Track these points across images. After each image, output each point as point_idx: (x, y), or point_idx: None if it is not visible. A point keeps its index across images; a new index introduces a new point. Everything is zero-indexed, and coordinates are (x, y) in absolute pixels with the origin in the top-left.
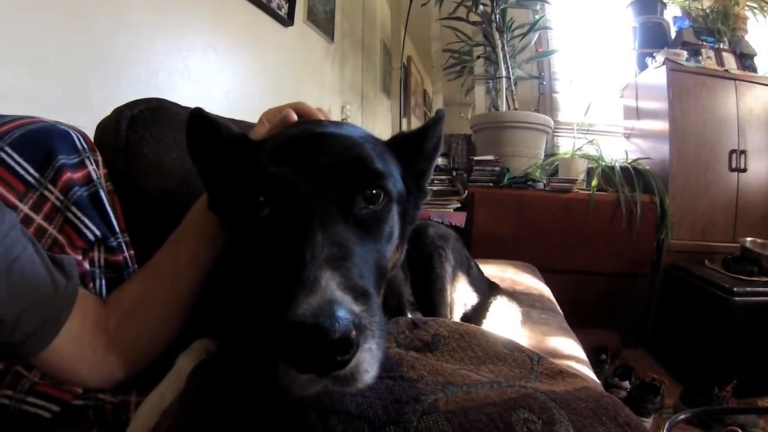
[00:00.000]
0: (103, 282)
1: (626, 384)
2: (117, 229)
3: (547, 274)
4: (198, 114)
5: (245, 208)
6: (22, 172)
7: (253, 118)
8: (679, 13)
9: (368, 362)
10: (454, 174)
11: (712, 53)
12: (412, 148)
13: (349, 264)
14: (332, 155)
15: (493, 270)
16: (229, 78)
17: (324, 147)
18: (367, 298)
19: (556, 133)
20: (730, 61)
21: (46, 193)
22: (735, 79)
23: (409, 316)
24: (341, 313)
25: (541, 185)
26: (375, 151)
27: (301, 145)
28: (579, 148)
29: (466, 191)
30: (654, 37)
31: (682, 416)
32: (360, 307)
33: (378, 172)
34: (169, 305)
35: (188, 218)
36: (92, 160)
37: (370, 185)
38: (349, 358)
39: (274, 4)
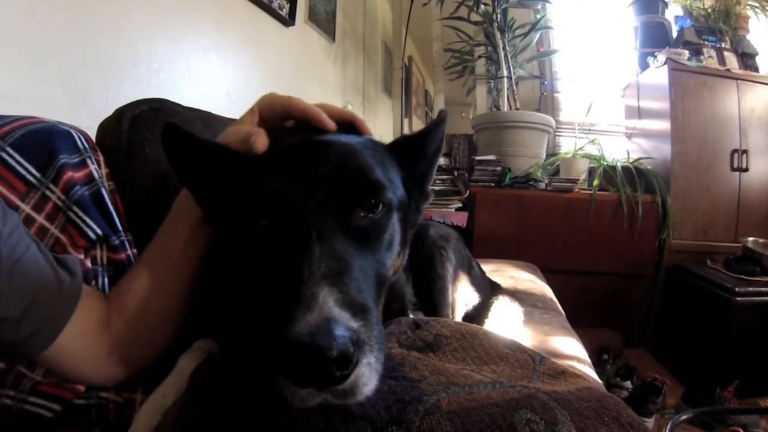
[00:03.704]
0: (106, 280)
1: (628, 384)
2: (119, 227)
3: (548, 273)
4: (172, 129)
5: (242, 222)
6: (23, 172)
7: None
8: (680, 13)
9: (367, 376)
10: (456, 174)
11: (713, 53)
12: (413, 150)
13: (346, 279)
14: (330, 166)
15: (494, 270)
16: (231, 78)
17: (322, 157)
18: (366, 313)
19: (557, 133)
20: (732, 61)
21: (48, 192)
22: (737, 79)
23: (411, 316)
24: (339, 331)
25: (542, 185)
26: (374, 158)
27: (298, 155)
28: (580, 148)
29: (468, 191)
30: (655, 37)
31: (684, 416)
32: (358, 323)
33: (377, 183)
34: (164, 299)
35: (174, 209)
36: (93, 159)
37: (369, 196)
38: (347, 373)
39: (275, 4)
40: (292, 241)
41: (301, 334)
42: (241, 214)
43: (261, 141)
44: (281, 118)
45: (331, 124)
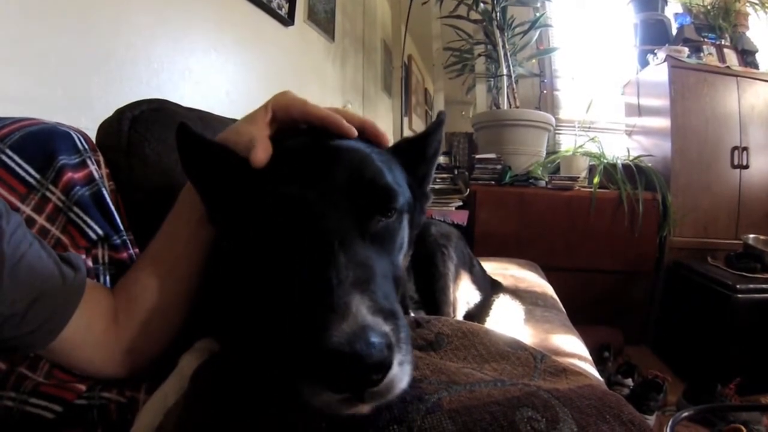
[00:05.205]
0: (108, 279)
1: (629, 381)
2: (120, 227)
3: (549, 271)
4: (185, 129)
5: (253, 225)
6: (23, 173)
7: None
8: (680, 10)
9: (399, 375)
10: (456, 172)
11: (713, 50)
12: (414, 153)
13: (374, 286)
14: (345, 173)
15: (495, 268)
16: (231, 78)
17: (335, 163)
18: (394, 316)
19: (557, 131)
20: (732, 58)
21: (48, 194)
22: (737, 76)
23: (412, 314)
24: (375, 338)
25: (542, 183)
26: (384, 163)
27: (310, 160)
28: (580, 146)
29: (468, 189)
30: (655, 34)
31: (686, 414)
32: (389, 327)
33: (392, 189)
34: (173, 288)
35: (181, 199)
36: (93, 159)
37: (385, 203)
38: (383, 376)
39: (274, 4)
40: (312, 247)
41: (341, 344)
42: (251, 217)
43: (261, 156)
44: (296, 122)
45: (353, 132)
